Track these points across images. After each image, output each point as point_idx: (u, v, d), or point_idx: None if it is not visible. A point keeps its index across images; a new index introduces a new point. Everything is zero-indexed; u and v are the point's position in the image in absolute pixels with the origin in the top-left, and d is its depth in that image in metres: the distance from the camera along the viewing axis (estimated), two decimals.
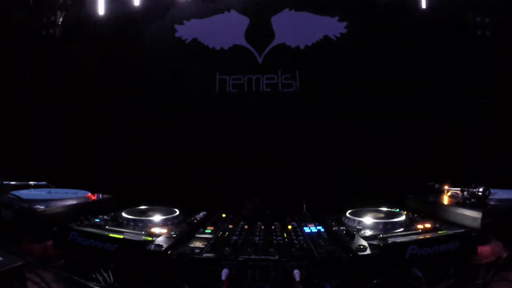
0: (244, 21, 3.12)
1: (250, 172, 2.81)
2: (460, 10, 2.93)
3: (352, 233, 1.45)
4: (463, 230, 1.48)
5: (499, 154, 2.60)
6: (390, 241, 1.35)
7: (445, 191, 2.06)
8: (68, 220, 1.59)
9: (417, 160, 2.72)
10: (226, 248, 1.36)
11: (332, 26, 3.05)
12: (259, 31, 3.08)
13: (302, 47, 3.05)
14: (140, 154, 2.96)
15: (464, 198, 1.76)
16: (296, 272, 1.21)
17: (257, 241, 1.40)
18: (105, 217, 1.74)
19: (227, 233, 1.60)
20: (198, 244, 1.41)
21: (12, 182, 2.09)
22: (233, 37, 3.11)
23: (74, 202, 1.85)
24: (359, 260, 1.26)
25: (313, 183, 2.70)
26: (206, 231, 1.62)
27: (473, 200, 1.73)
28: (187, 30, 3.14)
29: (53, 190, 2.13)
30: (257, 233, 1.53)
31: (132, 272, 1.32)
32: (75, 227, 1.49)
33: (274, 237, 1.47)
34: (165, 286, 1.24)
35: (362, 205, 1.93)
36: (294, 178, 2.76)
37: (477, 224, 1.55)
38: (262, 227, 1.71)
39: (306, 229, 1.67)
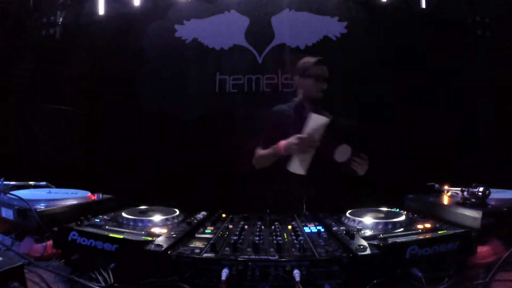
0: (244, 21, 3.12)
1: (250, 171, 2.80)
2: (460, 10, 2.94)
3: (352, 233, 1.44)
4: (463, 230, 1.48)
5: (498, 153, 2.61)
6: (390, 241, 1.35)
7: (445, 191, 2.06)
8: (68, 220, 1.59)
9: (418, 160, 2.72)
10: (226, 248, 1.36)
11: (332, 26, 3.05)
12: (259, 31, 3.08)
13: (302, 47, 3.05)
14: (140, 154, 2.96)
15: (464, 198, 1.76)
16: (296, 272, 1.20)
17: (257, 241, 1.39)
18: (105, 217, 1.74)
19: (227, 233, 1.60)
20: (198, 244, 1.41)
21: (12, 182, 2.09)
22: (233, 37, 3.11)
23: (74, 202, 1.85)
24: (359, 260, 1.25)
25: (313, 182, 2.69)
26: (206, 231, 1.61)
27: (473, 200, 1.73)
28: (187, 30, 3.14)
29: (53, 190, 2.13)
30: (257, 233, 1.53)
31: (132, 272, 1.31)
32: (75, 227, 1.49)
33: (274, 237, 1.47)
34: (165, 286, 1.24)
35: (362, 205, 1.93)
36: (295, 177, 2.76)
37: (477, 224, 1.55)
38: (262, 227, 1.71)
39: (306, 229, 1.67)
